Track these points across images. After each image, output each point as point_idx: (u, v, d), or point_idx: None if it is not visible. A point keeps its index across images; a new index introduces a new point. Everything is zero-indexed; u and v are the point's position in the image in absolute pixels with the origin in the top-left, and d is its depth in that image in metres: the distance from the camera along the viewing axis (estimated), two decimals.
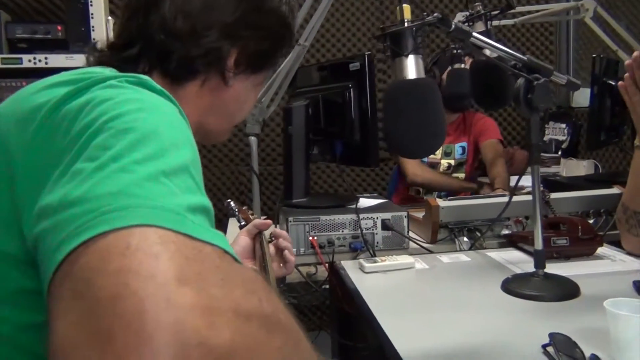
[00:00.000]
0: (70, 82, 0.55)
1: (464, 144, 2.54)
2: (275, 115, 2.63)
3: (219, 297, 0.37)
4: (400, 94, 0.92)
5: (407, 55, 0.91)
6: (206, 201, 0.47)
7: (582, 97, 2.96)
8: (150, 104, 0.52)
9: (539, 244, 1.17)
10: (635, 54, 1.27)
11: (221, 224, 2.24)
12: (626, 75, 1.27)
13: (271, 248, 1.23)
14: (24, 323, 0.50)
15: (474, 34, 1.01)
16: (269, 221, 1.23)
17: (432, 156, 2.50)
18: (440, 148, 2.48)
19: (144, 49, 0.73)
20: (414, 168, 2.41)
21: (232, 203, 1.40)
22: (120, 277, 0.35)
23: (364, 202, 1.75)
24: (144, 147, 0.45)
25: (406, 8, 0.92)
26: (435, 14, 0.94)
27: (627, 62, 1.29)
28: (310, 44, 1.57)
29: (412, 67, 0.93)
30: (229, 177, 2.99)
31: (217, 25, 0.73)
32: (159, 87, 0.56)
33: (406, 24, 0.92)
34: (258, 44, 0.77)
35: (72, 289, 0.36)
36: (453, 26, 0.97)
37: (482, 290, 1.22)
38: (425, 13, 0.90)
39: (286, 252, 1.20)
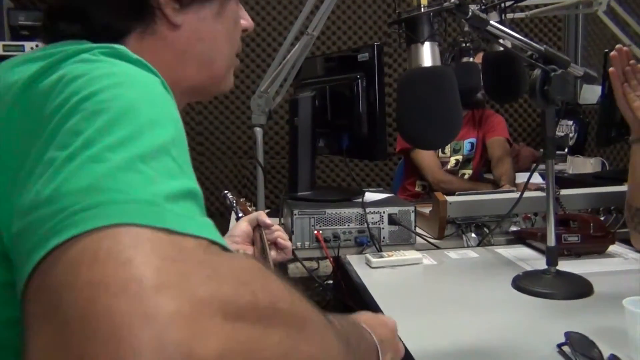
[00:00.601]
0: (43, 58, 0.51)
1: (473, 140, 2.51)
2: (279, 107, 2.61)
3: (205, 299, 0.33)
4: (416, 81, 0.88)
5: (423, 42, 0.88)
6: (191, 183, 0.42)
7: (589, 94, 2.93)
8: (126, 77, 0.48)
9: (551, 240, 1.14)
10: (617, 46, 1.30)
11: (223, 218, 2.21)
12: (611, 69, 1.30)
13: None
14: (4, 318, 0.46)
15: (492, 22, 0.98)
16: (271, 222, 1.20)
17: (441, 154, 2.47)
18: (449, 145, 2.45)
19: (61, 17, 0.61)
20: (435, 172, 2.38)
21: (229, 195, 1.36)
22: (89, 291, 0.31)
23: (370, 196, 1.72)
24: (119, 128, 0.41)
25: None
26: (453, 0, 0.91)
27: (612, 53, 1.32)
28: (318, 34, 1.53)
29: (428, 55, 0.89)
30: (232, 170, 2.96)
31: None
32: (135, 56, 0.52)
33: (422, 9, 0.88)
34: None
35: (42, 306, 0.33)
36: (470, 13, 0.93)
37: (492, 287, 1.19)
38: None
39: (279, 240, 1.17)
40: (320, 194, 1.70)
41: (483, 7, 1.32)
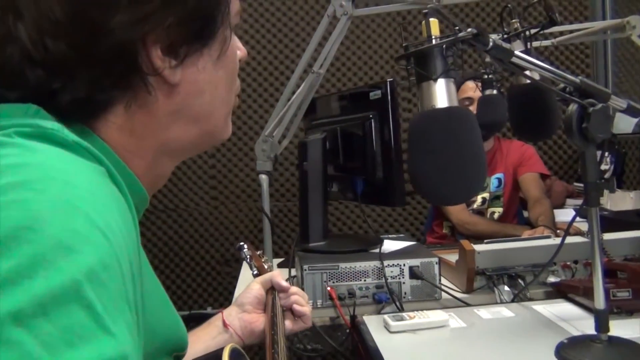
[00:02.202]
0: None
1: (500, 175, 2.32)
2: (290, 143, 2.50)
3: None
4: (429, 127, 0.75)
5: (435, 80, 0.74)
6: (111, 348, 0.30)
7: (623, 123, 2.75)
8: (40, 173, 0.36)
9: (600, 303, 0.97)
10: None
11: (239, 264, 2.07)
12: None
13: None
14: None
15: (516, 52, 0.84)
16: (287, 285, 1.06)
17: None
18: None
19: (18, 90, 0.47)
20: (459, 213, 2.20)
21: (245, 247, 1.22)
22: None
23: (390, 245, 1.57)
24: (6, 258, 0.29)
25: (433, 23, 0.75)
26: (470, 29, 0.77)
27: None
28: (326, 71, 1.41)
29: (442, 94, 0.76)
30: (247, 215, 2.84)
31: (105, 15, 0.47)
32: (72, 138, 0.41)
33: (434, 41, 0.75)
34: (181, 9, 0.50)
35: None
36: (491, 43, 0.80)
37: (532, 357, 1.01)
38: (457, 28, 0.73)
39: (295, 306, 1.02)
40: (334, 245, 1.55)
41: (505, 35, 1.19)
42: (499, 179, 2.32)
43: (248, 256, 1.17)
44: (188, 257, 2.83)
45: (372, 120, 1.45)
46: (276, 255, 2.64)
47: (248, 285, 1.06)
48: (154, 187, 0.60)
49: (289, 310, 1.04)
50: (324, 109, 1.73)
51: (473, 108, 2.22)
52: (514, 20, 1.17)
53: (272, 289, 1.03)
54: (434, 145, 0.72)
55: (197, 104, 0.56)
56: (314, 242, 1.54)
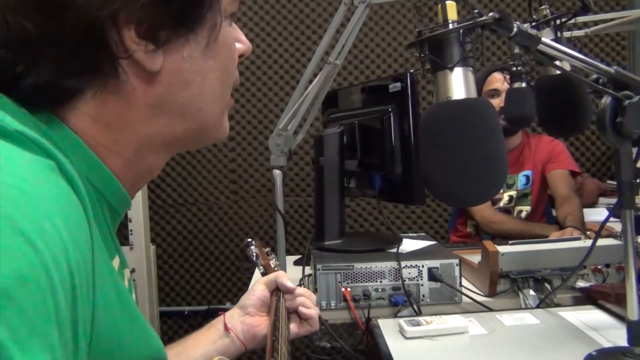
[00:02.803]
0: None
1: (528, 172, 2.22)
2: (309, 137, 2.43)
3: None
4: (444, 120, 0.68)
5: (452, 68, 0.68)
6: None
7: None
8: None
9: (634, 313, 0.89)
10: None
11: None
12: None
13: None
14: None
15: (544, 39, 0.76)
16: (292, 286, 1.00)
17: None
18: None
19: None
20: (484, 211, 2.11)
21: (253, 245, 1.16)
22: None
23: (409, 244, 1.50)
24: None
25: (450, 6, 0.68)
26: (492, 13, 0.70)
27: None
28: (343, 62, 1.35)
29: (459, 84, 0.69)
30: (267, 209, 2.80)
31: None
32: (14, 127, 0.36)
33: (451, 26, 0.68)
34: None
35: None
36: (515, 29, 0.73)
37: None
38: (476, 11, 0.66)
39: (301, 309, 0.97)
40: (350, 244, 1.49)
41: (534, 23, 1.11)
42: (527, 177, 2.21)
43: (254, 254, 1.12)
44: (207, 251, 2.81)
45: (391, 114, 1.39)
46: (296, 251, 2.61)
47: (252, 286, 1.00)
48: (139, 184, 0.55)
49: (295, 313, 0.98)
50: (342, 102, 1.67)
51: (499, 101, 2.13)
52: (543, 7, 1.09)
53: (277, 290, 0.98)
54: (448, 141, 0.66)
55: (183, 96, 0.51)
56: (330, 241, 1.48)
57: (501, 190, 2.18)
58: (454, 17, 0.69)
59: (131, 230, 2.25)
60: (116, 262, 0.49)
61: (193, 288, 2.83)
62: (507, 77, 1.70)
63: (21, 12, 0.42)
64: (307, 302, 0.97)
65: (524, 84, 1.76)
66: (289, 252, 2.73)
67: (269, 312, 0.94)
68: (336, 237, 1.49)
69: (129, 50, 0.45)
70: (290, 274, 1.46)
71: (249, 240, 1.15)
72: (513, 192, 2.21)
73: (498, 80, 2.14)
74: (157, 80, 0.48)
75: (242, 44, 0.58)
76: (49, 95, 0.44)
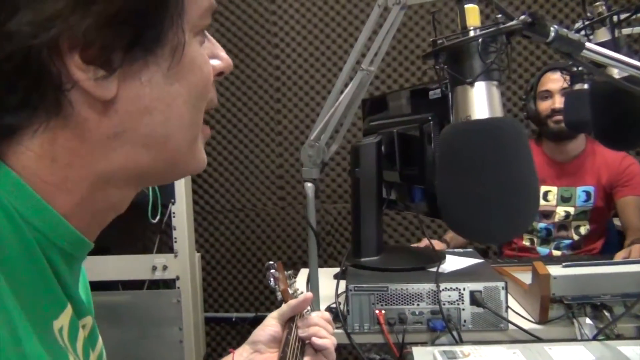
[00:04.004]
0: None
1: (589, 188, 1.97)
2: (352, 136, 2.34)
3: None
4: (462, 144, 0.58)
5: (472, 83, 0.58)
6: None
7: None
8: None
9: None
10: None
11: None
12: None
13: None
14: None
15: (589, 45, 0.65)
16: (304, 303, 0.93)
17: (543, 202, 2.01)
18: (556, 190, 2.01)
19: None
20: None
21: (273, 269, 1.09)
22: None
23: (452, 262, 1.39)
24: None
25: (471, 10, 0.59)
26: (523, 16, 0.60)
27: None
28: (375, 69, 1.26)
29: (481, 101, 0.59)
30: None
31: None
32: None
33: (472, 33, 0.59)
34: (103, 7, 0.39)
35: None
36: (553, 34, 0.62)
37: None
38: (499, 16, 0.56)
39: (313, 339, 0.89)
40: (388, 261, 1.40)
41: (587, 21, 0.99)
42: (587, 192, 1.98)
43: (272, 279, 1.05)
44: (255, 258, 2.79)
45: (432, 122, 1.28)
46: (339, 263, 2.52)
47: (264, 321, 0.93)
48: (100, 222, 0.49)
49: (309, 344, 0.90)
50: (382, 109, 1.58)
51: (551, 103, 1.96)
52: (598, 3, 0.96)
53: (289, 321, 0.91)
54: (466, 168, 0.56)
55: (144, 125, 0.44)
56: (366, 257, 1.40)
57: (555, 203, 2.00)
58: (476, 22, 0.59)
59: (175, 239, 2.25)
60: (65, 316, 0.44)
61: (241, 295, 2.82)
62: (567, 77, 1.55)
63: None
64: (320, 331, 0.89)
65: (585, 86, 1.60)
66: (329, 264, 2.67)
67: (279, 348, 0.87)
68: (373, 253, 1.40)
69: (75, 78, 0.40)
70: (326, 290, 1.39)
71: (271, 263, 1.08)
72: (570, 208, 1.99)
73: (551, 81, 1.97)
74: (112, 109, 0.42)
75: (220, 61, 0.52)
76: None
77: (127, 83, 0.42)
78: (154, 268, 2.24)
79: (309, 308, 1.10)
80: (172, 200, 2.23)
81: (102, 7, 0.39)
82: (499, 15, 0.57)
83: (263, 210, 2.77)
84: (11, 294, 0.37)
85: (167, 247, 2.43)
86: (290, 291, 1.05)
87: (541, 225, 2.02)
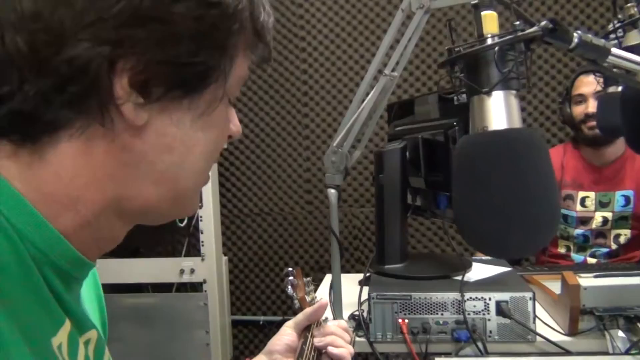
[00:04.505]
0: None
1: (629, 192, 1.90)
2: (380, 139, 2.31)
3: None
4: (478, 155, 0.57)
5: (489, 93, 0.56)
6: None
7: None
8: None
9: None
10: None
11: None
12: None
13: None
14: None
15: (615, 50, 0.62)
16: (321, 309, 0.92)
17: (581, 208, 1.95)
18: (594, 196, 1.94)
19: None
20: None
21: (291, 275, 1.08)
22: None
23: (479, 270, 1.36)
24: None
25: (489, 17, 0.57)
26: (544, 22, 0.58)
27: None
28: (399, 74, 1.24)
29: (498, 111, 0.57)
30: (342, 220, 2.72)
31: (78, 22, 0.40)
32: None
33: (489, 41, 0.57)
34: (167, 46, 0.42)
35: None
36: (576, 39, 0.59)
37: None
38: (517, 23, 0.54)
39: (329, 349, 0.88)
40: (412, 268, 1.38)
41: (619, 23, 0.95)
42: (627, 197, 1.90)
43: (289, 286, 1.04)
44: (282, 261, 2.79)
45: (457, 127, 1.26)
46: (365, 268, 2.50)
47: (280, 330, 0.93)
48: (101, 248, 0.50)
49: (325, 354, 0.89)
50: (408, 114, 1.56)
51: (583, 108, 1.90)
52: (629, 4, 0.92)
53: (305, 330, 0.90)
54: (481, 181, 0.54)
55: (162, 160, 0.46)
56: (390, 264, 1.38)
57: (593, 209, 1.94)
58: (494, 29, 0.57)
59: (202, 242, 2.27)
60: (63, 333, 0.44)
61: (268, 298, 2.82)
62: (600, 80, 1.50)
63: (20, 30, 0.40)
64: (336, 341, 0.88)
65: (619, 88, 1.55)
66: (357, 269, 2.65)
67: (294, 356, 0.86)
68: (397, 260, 1.38)
69: (116, 96, 0.42)
70: (351, 297, 1.38)
71: (290, 269, 1.08)
72: (608, 213, 1.92)
73: (585, 84, 1.90)
74: (138, 137, 0.44)
75: (234, 127, 0.55)
76: (27, 125, 0.42)
77: (159, 117, 0.45)
78: (182, 271, 2.27)
79: (326, 316, 1.09)
80: (199, 205, 2.25)
81: (168, 46, 0.42)
82: (517, 22, 0.55)
83: (290, 215, 2.77)
84: (4, 312, 0.37)
85: (195, 250, 2.45)
86: (308, 299, 1.04)
87: (578, 231, 1.96)
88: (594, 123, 1.83)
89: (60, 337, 0.43)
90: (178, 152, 0.47)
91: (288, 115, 2.73)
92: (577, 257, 1.97)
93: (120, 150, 0.44)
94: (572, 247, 1.99)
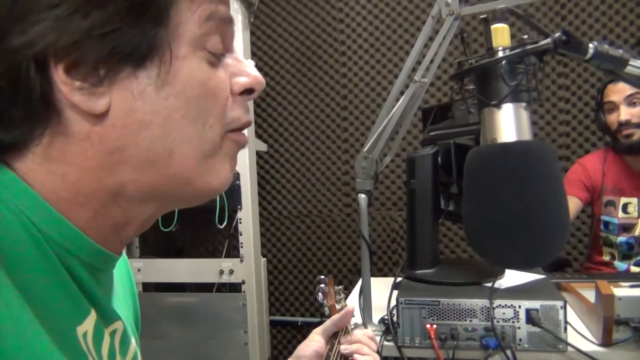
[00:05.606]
0: None
1: None
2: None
3: None
4: (487, 167, 0.57)
5: (499, 105, 0.57)
6: None
7: None
8: None
9: None
10: None
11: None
12: None
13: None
14: None
15: (634, 61, 0.62)
16: (348, 316, 0.94)
17: (623, 214, 1.89)
18: (636, 202, 1.88)
19: None
20: None
21: (323, 283, 1.10)
22: None
23: (511, 277, 1.35)
24: None
25: (500, 30, 0.57)
26: (558, 34, 0.58)
27: None
28: (430, 80, 1.24)
29: (508, 124, 0.58)
30: (380, 223, 2.73)
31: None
32: None
33: (500, 54, 0.58)
34: (81, 18, 0.40)
35: None
36: (592, 50, 0.59)
37: None
38: (525, 36, 0.55)
39: (355, 356, 0.89)
40: (443, 274, 1.37)
41: None
42: None
43: (320, 294, 1.06)
44: (320, 263, 2.82)
45: None
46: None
47: (309, 336, 0.95)
48: (123, 236, 0.50)
49: None
50: (442, 119, 1.56)
51: (616, 116, 1.84)
52: None
53: (333, 337, 0.92)
54: (486, 192, 0.55)
55: (144, 138, 0.45)
56: (421, 269, 1.38)
57: (636, 215, 1.88)
58: (505, 42, 0.58)
59: (242, 244, 2.32)
60: (89, 322, 0.47)
61: (307, 300, 2.86)
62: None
63: None
64: (362, 349, 0.90)
65: None
66: (394, 273, 2.64)
67: None
68: (428, 265, 1.38)
69: (61, 92, 0.42)
70: (383, 301, 1.39)
71: (322, 277, 1.09)
72: None
73: (614, 92, 1.84)
74: (108, 123, 0.43)
75: (247, 77, 0.50)
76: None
77: (119, 96, 0.43)
78: (221, 272, 2.33)
79: (354, 323, 1.11)
80: (239, 207, 2.31)
81: (77, 23, 0.40)
82: (525, 36, 0.55)
83: (329, 217, 2.79)
84: (25, 303, 0.39)
85: (235, 251, 2.51)
86: (338, 306, 1.06)
87: (621, 239, 1.90)
88: (629, 131, 1.78)
89: (86, 326, 0.45)
90: (156, 125, 0.44)
91: (327, 119, 2.76)
92: (620, 265, 1.91)
93: (98, 141, 0.44)
94: (616, 255, 1.93)
